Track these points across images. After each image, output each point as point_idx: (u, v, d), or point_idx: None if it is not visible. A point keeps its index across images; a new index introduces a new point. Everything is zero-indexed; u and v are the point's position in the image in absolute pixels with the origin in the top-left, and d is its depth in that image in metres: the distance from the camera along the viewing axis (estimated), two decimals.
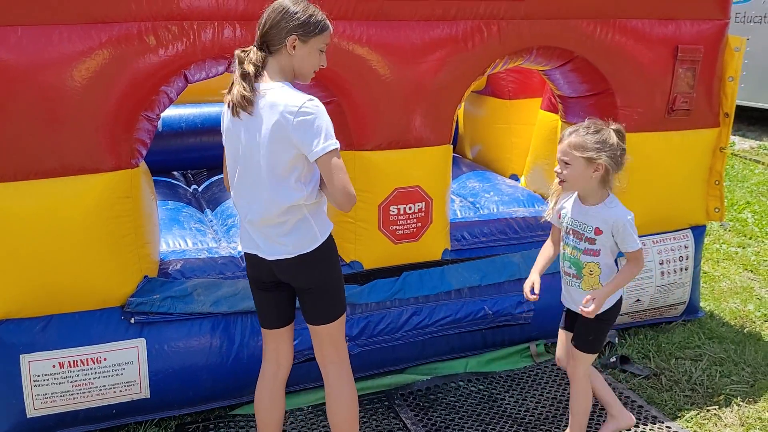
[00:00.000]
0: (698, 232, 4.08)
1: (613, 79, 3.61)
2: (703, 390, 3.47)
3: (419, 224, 3.45)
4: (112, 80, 2.78)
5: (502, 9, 3.33)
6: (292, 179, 2.35)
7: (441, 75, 3.29)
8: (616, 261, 2.79)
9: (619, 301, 2.83)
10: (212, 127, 4.95)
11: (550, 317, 3.62)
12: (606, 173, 2.63)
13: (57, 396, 2.93)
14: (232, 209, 4.02)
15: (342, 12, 3.05)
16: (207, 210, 4.42)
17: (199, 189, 4.90)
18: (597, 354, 2.86)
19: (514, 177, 4.99)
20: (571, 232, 2.77)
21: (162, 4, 2.80)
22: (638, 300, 3.90)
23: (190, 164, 5.19)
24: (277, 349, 2.67)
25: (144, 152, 3.04)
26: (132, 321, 3.00)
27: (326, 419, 2.80)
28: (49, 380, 2.90)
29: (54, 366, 2.90)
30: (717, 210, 4.03)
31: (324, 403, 2.87)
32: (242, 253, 2.89)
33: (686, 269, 4.01)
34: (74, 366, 2.93)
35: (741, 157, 8.34)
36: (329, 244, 2.51)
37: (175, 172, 5.16)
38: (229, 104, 2.39)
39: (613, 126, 2.67)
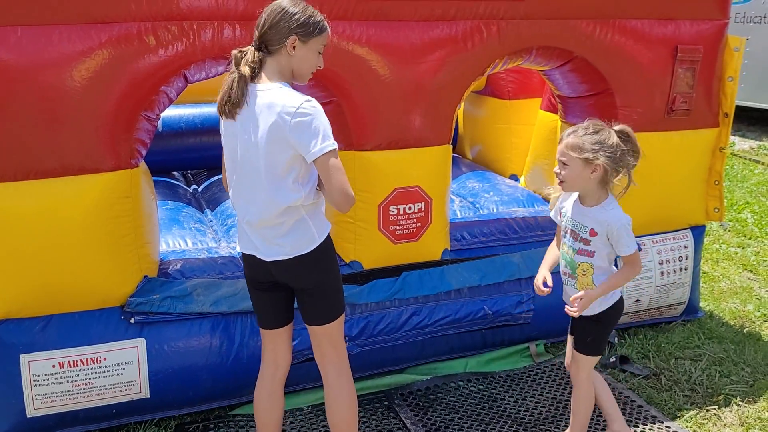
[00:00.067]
0: (698, 232, 4.08)
1: (613, 79, 3.61)
2: (702, 390, 3.47)
3: (419, 224, 3.45)
4: (112, 80, 2.78)
5: (502, 9, 3.33)
6: (289, 180, 2.34)
7: (440, 75, 3.29)
8: (615, 263, 2.78)
9: (620, 303, 2.79)
10: (212, 127, 4.95)
11: (549, 317, 3.63)
12: (605, 174, 2.61)
13: (57, 396, 2.93)
14: (232, 209, 4.02)
15: (341, 12, 3.06)
16: (207, 210, 4.43)
17: (199, 189, 4.90)
18: (598, 357, 2.83)
19: (514, 177, 4.99)
20: (569, 231, 2.76)
21: (162, 4, 2.80)
22: (638, 300, 3.91)
23: (190, 164, 5.19)
24: (275, 349, 2.66)
25: (144, 152, 3.04)
26: (132, 321, 3.00)
27: (326, 419, 2.81)
28: (48, 380, 2.90)
29: (54, 366, 2.90)
30: (716, 210, 4.03)
31: (323, 403, 2.86)
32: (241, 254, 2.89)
33: (686, 269, 4.01)
34: (74, 366, 2.93)
35: (741, 157, 8.34)
36: (327, 244, 2.50)
37: (175, 172, 5.16)
38: (218, 107, 2.39)
39: (617, 126, 2.63)
